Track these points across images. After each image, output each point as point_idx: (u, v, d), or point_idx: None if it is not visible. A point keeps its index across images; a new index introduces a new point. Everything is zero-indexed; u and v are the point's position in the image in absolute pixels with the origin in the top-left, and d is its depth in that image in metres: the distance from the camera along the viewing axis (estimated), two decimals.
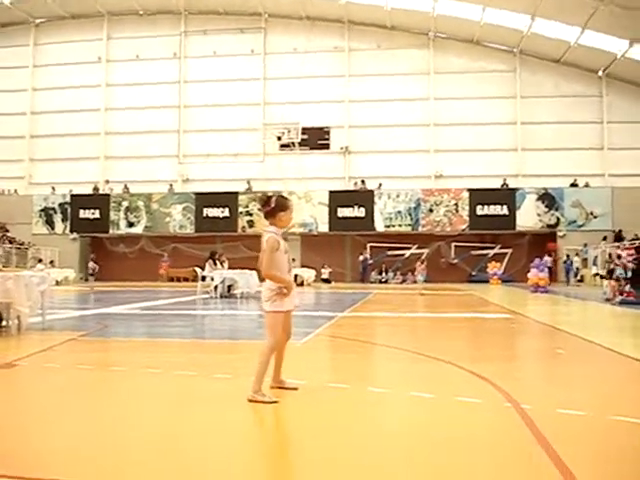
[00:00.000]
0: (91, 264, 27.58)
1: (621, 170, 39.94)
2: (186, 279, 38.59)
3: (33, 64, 46.08)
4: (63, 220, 42.45)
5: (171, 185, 43.09)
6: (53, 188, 43.30)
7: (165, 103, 44.42)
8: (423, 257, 34.81)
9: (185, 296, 22.87)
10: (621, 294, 19.24)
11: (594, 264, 34.96)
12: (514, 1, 36.30)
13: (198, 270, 24.44)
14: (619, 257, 24.74)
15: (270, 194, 5.92)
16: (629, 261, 23.92)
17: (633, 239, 32.89)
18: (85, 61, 45.14)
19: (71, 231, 42.12)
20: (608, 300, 19.82)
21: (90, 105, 44.76)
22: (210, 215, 41.33)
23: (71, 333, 10.73)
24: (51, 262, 37.50)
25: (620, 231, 36.01)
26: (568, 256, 36.64)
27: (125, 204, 42.16)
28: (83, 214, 42.19)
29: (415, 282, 28.88)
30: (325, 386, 6.22)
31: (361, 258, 40.47)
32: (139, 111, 44.23)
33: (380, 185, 40.59)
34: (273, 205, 5.73)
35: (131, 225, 42.07)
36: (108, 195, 42.71)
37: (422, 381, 6.59)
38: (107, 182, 43.75)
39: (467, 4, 38.09)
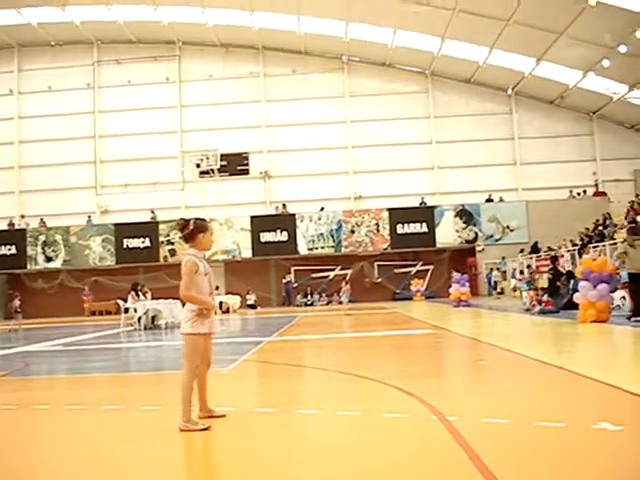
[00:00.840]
0: (16, 302, 26.81)
1: (534, 184, 41.18)
2: (109, 312, 37.91)
3: None
4: None
5: (89, 217, 42.31)
6: None
7: (80, 134, 43.55)
8: (347, 278, 35.13)
9: (108, 330, 22.45)
10: (539, 303, 19.78)
11: (512, 277, 35.82)
12: (424, 24, 37.08)
13: (121, 302, 24.00)
14: (536, 268, 25.46)
15: (188, 218, 5.91)
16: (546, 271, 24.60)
17: (547, 251, 33.86)
18: None
19: None
20: (528, 310, 20.35)
21: (2, 139, 43.57)
22: (130, 246, 40.71)
23: None
24: None
25: (536, 243, 37.04)
26: (492, 269, 37.45)
27: (42, 238, 41.14)
28: None
29: (341, 303, 29.04)
30: (253, 411, 6.23)
31: (284, 281, 40.50)
32: (54, 143, 43.21)
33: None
34: (192, 227, 5.74)
35: (49, 260, 41.07)
36: (24, 230, 41.66)
37: (349, 400, 6.65)
38: (22, 217, 42.71)
39: (378, 27, 38.79)
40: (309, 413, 5.97)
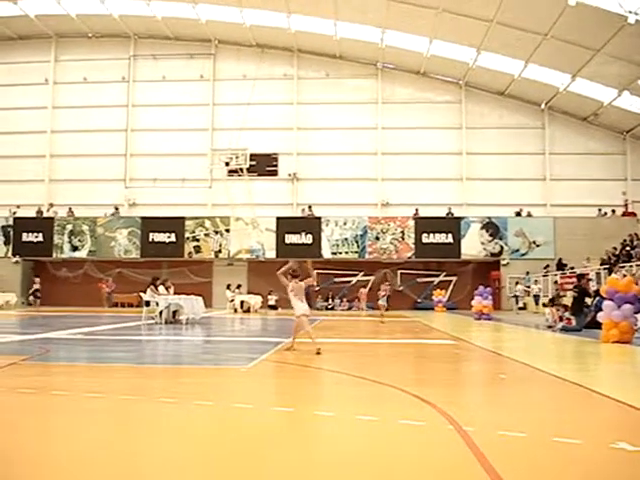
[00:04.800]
0: (35, 285, 27.03)
1: (562, 200, 40.88)
2: (130, 304, 38.14)
3: None
4: (5, 243, 41.59)
5: (117, 209, 42.62)
6: None
7: (112, 126, 44.00)
8: (388, 279, 35.08)
9: (129, 322, 22.55)
10: (561, 319, 19.63)
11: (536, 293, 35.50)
12: (460, 34, 37.04)
13: (143, 295, 24.08)
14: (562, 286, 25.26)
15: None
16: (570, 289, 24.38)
17: (571, 268, 33.62)
18: (31, 82, 44.57)
19: (14, 254, 41.26)
20: (550, 327, 20.18)
21: (35, 127, 44.07)
22: (156, 240, 40.95)
23: (12, 357, 10.52)
24: None
25: (560, 259, 36.75)
26: (517, 283, 37.12)
27: (69, 227, 41.53)
28: (26, 237, 41.40)
29: (376, 308, 29.03)
30: (270, 410, 6.23)
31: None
32: (86, 134, 43.69)
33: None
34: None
35: (75, 249, 41.42)
36: (52, 218, 42.06)
37: (367, 404, 6.63)
38: (51, 205, 43.10)
39: (414, 36, 38.75)
40: (326, 415, 5.96)
